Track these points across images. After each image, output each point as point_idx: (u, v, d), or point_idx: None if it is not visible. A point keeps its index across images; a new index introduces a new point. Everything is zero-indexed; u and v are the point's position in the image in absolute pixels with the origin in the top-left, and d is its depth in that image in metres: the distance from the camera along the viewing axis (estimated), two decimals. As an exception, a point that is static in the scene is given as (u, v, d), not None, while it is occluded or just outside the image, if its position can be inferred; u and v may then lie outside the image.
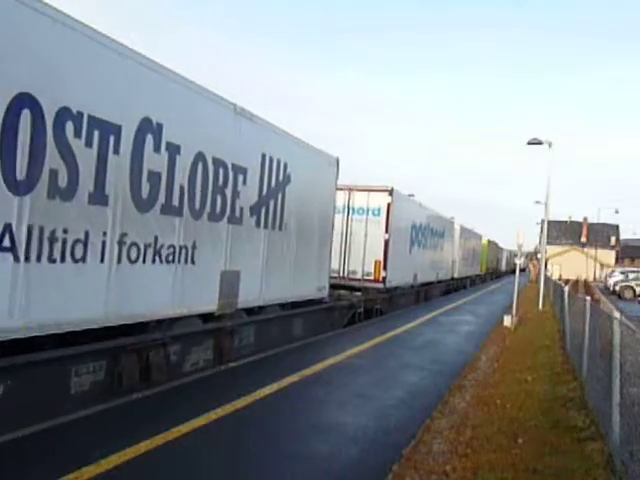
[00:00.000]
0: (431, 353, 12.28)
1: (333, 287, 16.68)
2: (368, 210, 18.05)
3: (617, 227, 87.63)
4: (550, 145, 25.25)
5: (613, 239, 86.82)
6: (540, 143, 24.97)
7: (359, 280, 17.87)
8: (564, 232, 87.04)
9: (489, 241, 51.52)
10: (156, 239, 7.55)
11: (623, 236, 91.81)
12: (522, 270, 36.72)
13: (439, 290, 29.03)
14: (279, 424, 6.72)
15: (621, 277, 42.48)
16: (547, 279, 31.75)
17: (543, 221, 32.68)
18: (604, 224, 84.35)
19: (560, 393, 8.50)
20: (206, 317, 9.07)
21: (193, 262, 8.35)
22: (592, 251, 77.17)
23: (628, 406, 5.13)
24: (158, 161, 7.53)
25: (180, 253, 8.07)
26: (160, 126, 7.48)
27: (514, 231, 20.70)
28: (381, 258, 17.90)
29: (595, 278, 72.17)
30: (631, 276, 40.88)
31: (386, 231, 18.00)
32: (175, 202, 7.93)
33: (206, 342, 8.98)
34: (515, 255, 24.06)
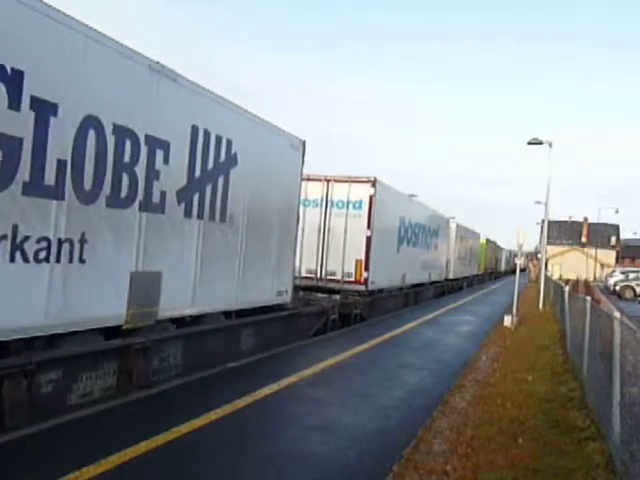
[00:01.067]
0: (429, 357, 12.28)
1: (309, 289, 15.81)
2: (348, 203, 16.22)
3: (617, 227, 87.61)
4: (550, 145, 25.52)
5: (613, 239, 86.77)
6: (540, 143, 25.17)
7: (338, 282, 16.14)
8: (564, 232, 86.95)
9: (488, 240, 50.09)
10: (15, 229, 5.57)
11: (623, 236, 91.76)
12: (522, 270, 36.55)
13: (432, 292, 27.09)
14: (279, 424, 6.71)
15: (621, 277, 42.48)
16: (547, 279, 31.70)
17: (543, 221, 32.67)
18: (604, 224, 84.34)
19: (560, 393, 8.52)
20: (111, 331, 7.13)
21: (82, 260, 6.38)
22: (592, 251, 77.15)
23: (628, 406, 5.13)
24: (17, 122, 5.56)
25: (60, 248, 6.08)
26: (18, 75, 5.51)
27: (514, 231, 20.54)
28: (362, 257, 16.08)
29: (595, 278, 72.17)
30: (631, 276, 40.90)
31: (368, 227, 16.16)
32: (49, 180, 5.95)
33: (105, 365, 6.93)
34: (515, 255, 24.05)
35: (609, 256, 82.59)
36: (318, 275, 16.21)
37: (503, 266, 67.71)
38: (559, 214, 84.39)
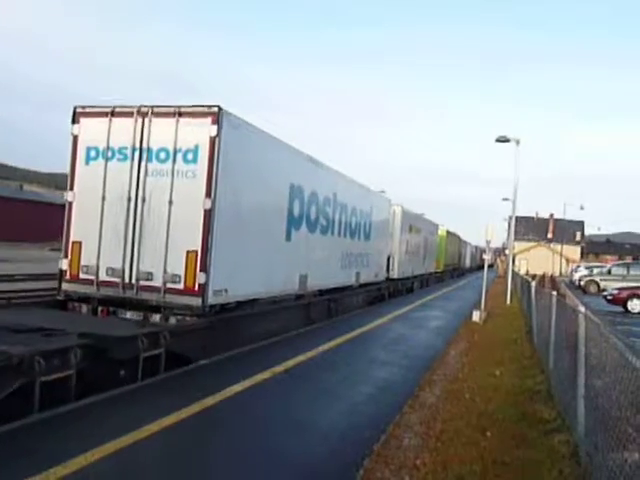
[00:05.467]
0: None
1: (111, 303, 9.88)
2: (176, 153, 9.63)
3: (582, 223, 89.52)
4: (517, 143, 25.79)
5: (578, 235, 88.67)
6: (508, 141, 25.57)
7: (158, 290, 9.54)
8: (531, 228, 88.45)
9: (449, 232, 43.80)
10: None
11: (588, 232, 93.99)
12: (490, 266, 36.86)
13: (361, 298, 20.03)
14: (250, 422, 6.68)
15: (586, 272, 43.22)
16: (515, 274, 32.22)
17: (511, 217, 33.20)
18: (570, 220, 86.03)
19: (527, 386, 8.65)
20: None
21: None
22: (558, 247, 78.60)
23: (592, 398, 5.25)
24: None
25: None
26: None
27: (482, 228, 20.64)
28: (198, 247, 9.39)
29: (561, 273, 73.52)
30: (595, 271, 41.63)
31: (208, 194, 9.40)
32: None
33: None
34: (483, 251, 24.29)
35: (574, 252, 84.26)
36: (126, 279, 9.75)
37: (468, 262, 63.47)
38: (526, 210, 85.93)
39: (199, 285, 9.38)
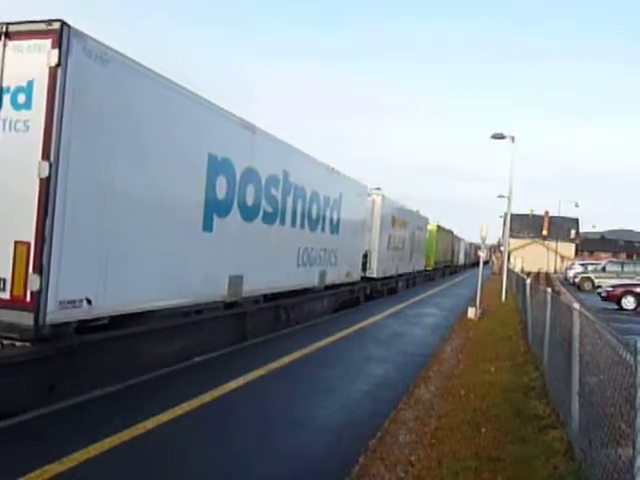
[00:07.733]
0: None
1: None
2: (1, 94, 6.41)
3: (577, 220, 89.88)
4: (513, 139, 25.80)
5: (573, 232, 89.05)
6: (503, 137, 25.54)
7: None
8: (526, 225, 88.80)
9: (440, 227, 40.37)
10: None
11: (583, 229, 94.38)
12: (486, 263, 36.84)
13: (327, 302, 16.71)
14: (245, 418, 6.69)
15: (580, 269, 43.44)
16: (510, 271, 32.27)
17: (506, 214, 33.26)
18: (564, 218, 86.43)
19: (522, 383, 8.67)
20: None
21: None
22: (553, 244, 78.90)
23: (587, 395, 5.27)
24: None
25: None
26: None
27: (477, 225, 20.70)
28: (31, 236, 6.12)
29: (556, 270, 73.77)
30: (590, 268, 41.84)
31: (46, 155, 6.11)
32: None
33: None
34: (478, 247, 24.34)
35: (569, 249, 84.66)
36: None
37: (462, 259, 60.94)
38: (521, 208, 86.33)
39: (32, 293, 6.10)
